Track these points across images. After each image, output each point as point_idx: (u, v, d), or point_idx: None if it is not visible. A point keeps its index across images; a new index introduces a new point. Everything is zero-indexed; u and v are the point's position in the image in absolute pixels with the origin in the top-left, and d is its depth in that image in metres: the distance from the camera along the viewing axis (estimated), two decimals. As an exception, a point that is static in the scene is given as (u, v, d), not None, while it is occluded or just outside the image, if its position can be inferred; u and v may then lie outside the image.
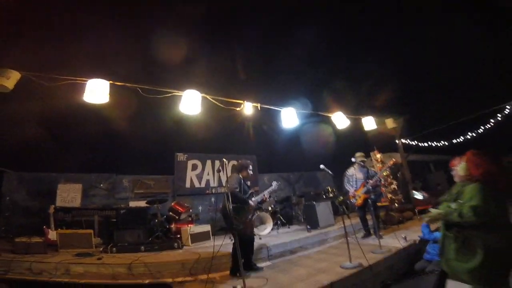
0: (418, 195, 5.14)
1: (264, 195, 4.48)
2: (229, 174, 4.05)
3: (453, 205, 2.39)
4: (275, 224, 6.46)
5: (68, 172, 6.66)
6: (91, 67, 3.80)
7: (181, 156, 7.86)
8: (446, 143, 8.03)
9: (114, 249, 4.71)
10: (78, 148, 6.59)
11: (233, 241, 3.76)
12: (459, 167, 2.61)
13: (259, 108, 4.54)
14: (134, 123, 6.68)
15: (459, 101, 7.98)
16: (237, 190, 3.99)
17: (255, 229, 5.85)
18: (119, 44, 4.91)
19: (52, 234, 4.92)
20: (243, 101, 4.39)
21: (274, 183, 4.64)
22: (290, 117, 4.88)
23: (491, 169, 2.35)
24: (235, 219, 3.69)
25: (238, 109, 4.40)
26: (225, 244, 4.15)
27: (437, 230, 3.76)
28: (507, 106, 6.60)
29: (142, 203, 6.37)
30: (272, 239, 5.46)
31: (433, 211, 2.55)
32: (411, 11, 7.22)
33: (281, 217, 6.97)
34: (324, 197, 7.36)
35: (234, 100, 4.32)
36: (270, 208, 6.64)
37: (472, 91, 8.09)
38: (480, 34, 7.29)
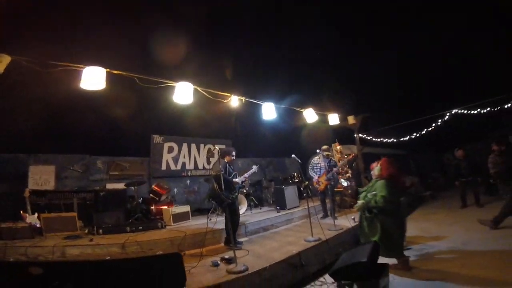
0: (344, 183, 6.23)
1: (245, 176, 5.18)
2: (214, 159, 4.67)
3: (369, 195, 3.59)
4: (248, 205, 7.11)
5: (38, 153, 6.33)
6: (86, 55, 3.79)
7: (157, 138, 7.88)
8: (395, 140, 9.63)
9: (100, 230, 4.76)
10: (48, 127, 6.26)
11: (224, 215, 4.53)
12: (375, 169, 3.87)
13: (243, 101, 4.99)
14: (108, 103, 6.52)
15: (409, 106, 9.54)
16: (222, 172, 4.49)
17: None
18: (116, 34, 4.85)
19: (31, 219, 4.71)
20: (231, 94, 4.79)
21: (254, 167, 5.39)
22: (269, 111, 5.44)
23: (393, 172, 3.62)
24: (223, 195, 4.28)
25: (225, 101, 4.80)
26: (208, 222, 4.68)
27: None
28: (447, 114, 8.10)
29: (119, 185, 6.42)
30: (248, 218, 6.12)
31: (359, 202, 3.76)
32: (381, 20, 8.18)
33: (253, 199, 7.65)
34: (291, 181, 8.17)
35: (222, 93, 4.69)
36: (244, 191, 7.26)
37: (419, 99, 9.71)
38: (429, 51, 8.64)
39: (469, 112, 8.24)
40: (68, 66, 3.40)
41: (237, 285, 3.10)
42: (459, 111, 8.19)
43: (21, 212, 4.80)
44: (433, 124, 8.57)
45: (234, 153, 5.06)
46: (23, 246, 3.80)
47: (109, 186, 6.55)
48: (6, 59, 3.23)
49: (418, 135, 9.13)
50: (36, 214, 4.77)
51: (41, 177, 5.85)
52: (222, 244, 4.75)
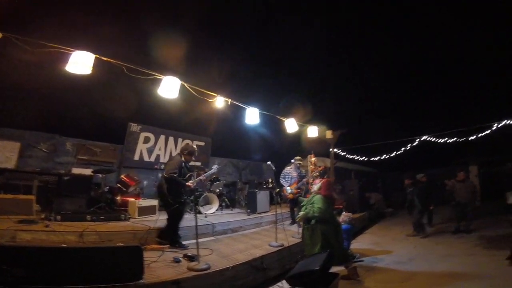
0: (288, 190, 6.53)
1: (201, 178, 4.98)
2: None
3: (309, 207, 4.12)
4: (220, 205, 7.09)
5: (3, 126, 5.83)
6: (73, 38, 3.67)
7: (134, 127, 7.64)
8: (366, 159, 10.14)
9: (58, 217, 4.52)
10: (18, 101, 5.89)
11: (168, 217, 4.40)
12: (316, 186, 4.39)
13: (229, 103, 5.02)
14: (89, 85, 6.26)
15: (382, 129, 10.19)
16: (176, 174, 4.26)
17: (201, 208, 6.43)
18: (106, 21, 4.72)
19: None
20: (217, 94, 4.80)
21: (215, 166, 5.19)
22: (253, 115, 5.50)
23: (330, 193, 4.26)
24: (171, 199, 4.26)
25: (210, 100, 4.79)
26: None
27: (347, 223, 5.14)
28: (417, 139, 8.66)
29: (86, 171, 6.16)
30: (217, 218, 6.12)
31: (301, 213, 4.22)
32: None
33: (226, 200, 7.66)
34: (265, 186, 8.28)
35: (208, 92, 4.69)
36: (218, 190, 7.25)
37: (392, 123, 10.42)
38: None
39: (437, 140, 8.85)
40: (57, 48, 3.29)
41: (197, 282, 3.11)
42: (428, 138, 8.76)
43: None
44: (403, 148, 9.13)
45: (195, 153, 4.79)
46: None
47: (75, 170, 6.24)
48: None
49: (387, 156, 9.68)
50: None
51: (3, 153, 5.45)
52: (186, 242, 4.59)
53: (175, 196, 4.33)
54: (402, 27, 9.15)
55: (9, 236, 3.64)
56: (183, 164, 4.50)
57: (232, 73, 7.55)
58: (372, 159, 10.08)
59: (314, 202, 4.09)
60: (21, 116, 6.01)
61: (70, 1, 5.04)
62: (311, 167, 8.89)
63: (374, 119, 11.51)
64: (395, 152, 9.47)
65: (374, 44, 9.51)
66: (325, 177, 4.75)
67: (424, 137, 8.61)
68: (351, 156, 9.89)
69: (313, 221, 4.02)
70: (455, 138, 8.58)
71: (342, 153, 9.49)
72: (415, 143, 8.80)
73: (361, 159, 10.14)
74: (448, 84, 10.89)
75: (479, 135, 8.18)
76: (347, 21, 8.57)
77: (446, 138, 8.73)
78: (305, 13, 8.19)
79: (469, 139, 8.46)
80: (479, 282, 3.71)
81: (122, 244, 3.10)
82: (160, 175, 8.18)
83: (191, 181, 4.52)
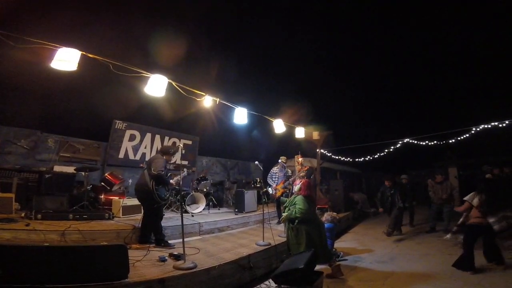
0: (270, 190, 6.68)
1: (179, 179, 4.83)
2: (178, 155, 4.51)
3: (291, 208, 4.20)
4: (207, 204, 7.07)
5: None
6: (59, 34, 3.56)
7: (119, 124, 7.50)
8: (351, 160, 10.41)
9: (39, 215, 4.40)
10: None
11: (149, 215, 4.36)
12: (296, 187, 4.50)
13: (217, 102, 5.00)
14: (73, 80, 6.07)
15: (367, 130, 10.52)
16: (163, 173, 4.33)
17: (187, 208, 6.40)
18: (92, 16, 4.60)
19: None
20: (205, 93, 4.78)
21: (185, 170, 5.19)
22: (241, 115, 5.51)
23: (310, 193, 4.30)
24: (157, 196, 4.26)
25: (198, 99, 4.77)
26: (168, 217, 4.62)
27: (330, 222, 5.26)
28: (400, 142, 8.96)
29: (69, 169, 6.01)
30: (204, 217, 6.11)
31: (284, 214, 4.32)
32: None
33: (213, 199, 7.64)
34: (253, 186, 8.30)
35: (197, 91, 4.66)
36: (205, 190, 7.21)
37: (377, 125, 10.77)
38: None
39: (419, 142, 9.17)
40: (42, 44, 3.18)
41: (183, 281, 3.09)
42: (410, 141, 9.07)
43: None
44: (385, 150, 9.43)
45: (176, 154, 4.91)
46: None
47: (57, 168, 6.08)
48: None
49: (371, 157, 9.97)
50: None
51: None
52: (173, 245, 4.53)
53: (162, 193, 4.34)
54: (387, 30, 9.45)
55: None
56: (166, 163, 4.56)
57: (220, 73, 7.56)
58: (356, 160, 10.37)
59: (296, 203, 4.17)
60: (0, 111, 5.78)
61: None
62: (298, 167, 9.09)
63: (360, 122, 11.86)
64: (379, 153, 9.78)
65: (359, 48, 9.79)
66: (311, 177, 4.86)
67: (406, 140, 8.91)
68: (336, 157, 10.12)
69: (296, 221, 4.11)
70: (436, 141, 8.92)
71: (328, 154, 9.68)
72: (398, 145, 9.11)
73: (346, 160, 10.41)
74: (430, 89, 11.34)
75: (458, 138, 8.55)
76: (332, 24, 8.77)
77: (427, 141, 9.05)
78: (292, 13, 8.31)
79: (449, 141, 8.83)
80: (454, 280, 3.90)
81: (106, 243, 3.05)
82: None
83: (173, 180, 4.64)
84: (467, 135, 8.24)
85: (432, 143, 9.13)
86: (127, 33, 5.94)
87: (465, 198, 4.60)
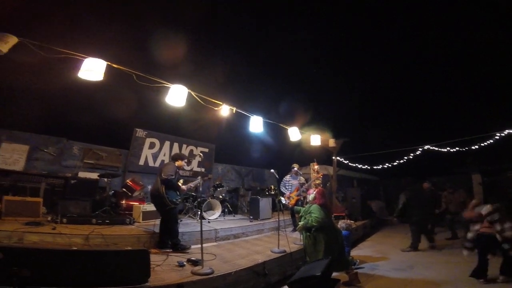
0: (283, 200, 6.59)
1: (191, 186, 5.14)
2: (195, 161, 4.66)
3: (307, 217, 4.22)
4: (222, 211, 7.15)
5: (12, 129, 6.01)
6: (86, 46, 3.80)
7: (140, 132, 7.79)
8: (369, 167, 10.22)
9: (64, 219, 4.61)
10: (25, 103, 6.06)
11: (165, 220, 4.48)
12: (310, 196, 4.51)
13: (233, 111, 5.12)
14: (97, 90, 6.38)
15: (386, 137, 10.32)
16: (173, 177, 4.49)
17: (204, 214, 6.50)
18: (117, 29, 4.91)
19: None
20: (222, 103, 4.91)
21: (199, 178, 5.15)
22: (257, 124, 5.59)
23: (324, 201, 4.32)
24: (168, 199, 4.39)
25: (216, 109, 4.91)
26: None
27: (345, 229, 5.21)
28: (419, 149, 8.74)
29: (92, 175, 6.27)
30: (220, 224, 6.19)
31: (300, 224, 4.30)
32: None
33: (228, 206, 7.71)
34: (267, 193, 8.35)
35: (214, 101, 4.81)
36: (221, 196, 7.31)
37: (396, 132, 10.54)
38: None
39: (439, 149, 8.91)
40: (71, 54, 3.41)
41: (200, 286, 3.16)
42: (431, 147, 8.83)
43: None
44: (405, 157, 9.21)
45: (186, 160, 5.11)
46: None
47: (81, 174, 6.36)
48: (13, 40, 3.20)
49: (390, 165, 9.76)
50: None
51: (12, 156, 5.58)
52: (189, 246, 4.64)
53: (172, 197, 4.49)
54: (404, 34, 9.26)
55: (17, 237, 3.72)
56: (177, 169, 4.73)
57: (236, 81, 7.73)
58: (374, 167, 10.17)
59: (312, 212, 4.19)
60: (30, 119, 6.17)
61: (82, 9, 5.20)
62: (313, 174, 9.03)
63: (377, 128, 11.60)
64: (398, 161, 9.56)
65: (376, 53, 9.66)
66: (327, 185, 4.87)
67: (427, 147, 8.68)
68: (353, 164, 9.97)
69: (313, 230, 4.11)
70: (457, 148, 8.63)
71: (345, 161, 9.57)
72: (418, 152, 8.88)
73: (363, 167, 10.24)
74: (450, 93, 10.98)
75: (481, 144, 8.24)
76: (346, 28, 8.71)
77: (448, 148, 8.78)
78: (306, 18, 8.37)
79: (472, 148, 8.53)
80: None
81: (130, 248, 3.18)
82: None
83: (184, 186, 4.83)
84: (491, 140, 7.93)
85: (454, 149, 8.85)
86: (147, 44, 6.20)
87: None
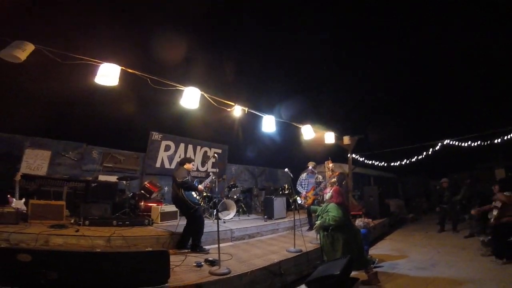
0: (299, 200, 6.48)
1: (207, 183, 5.32)
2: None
3: (324, 215, 4.20)
4: (237, 211, 7.20)
5: (34, 135, 6.33)
6: (100, 51, 3.93)
7: (156, 135, 7.96)
8: (385, 164, 9.96)
9: (87, 222, 4.73)
10: (49, 112, 6.30)
11: (190, 222, 4.54)
12: (327, 195, 4.48)
13: (246, 112, 5.15)
14: (113, 96, 6.56)
15: (402, 133, 9.98)
16: (187, 179, 4.60)
17: (219, 214, 6.56)
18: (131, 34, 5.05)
19: (17, 203, 4.62)
20: (234, 103, 4.95)
21: (211, 174, 5.52)
22: (269, 123, 5.59)
23: (341, 200, 4.29)
24: (190, 201, 4.47)
25: (229, 109, 4.95)
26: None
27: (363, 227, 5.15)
28: (438, 143, 8.44)
29: (111, 178, 6.47)
30: (235, 224, 6.23)
31: (317, 223, 4.31)
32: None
33: (242, 206, 7.75)
34: (281, 193, 8.32)
35: (226, 102, 4.86)
36: (235, 197, 7.36)
37: (414, 127, 10.19)
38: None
39: (460, 144, 8.56)
40: (86, 60, 3.53)
41: (218, 286, 3.20)
42: (451, 142, 8.50)
43: (8, 196, 4.68)
44: (424, 153, 8.91)
45: (193, 163, 5.19)
46: (7, 231, 3.76)
47: (101, 177, 6.56)
48: (30, 47, 3.33)
49: (408, 161, 9.46)
50: (23, 200, 4.70)
51: (35, 161, 5.82)
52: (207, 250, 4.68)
53: (192, 198, 4.58)
54: (421, 22, 8.85)
55: (43, 240, 3.83)
56: (187, 172, 4.82)
57: (248, 81, 7.74)
58: (392, 164, 9.87)
59: (329, 211, 4.17)
60: (51, 125, 6.44)
61: (94, 15, 5.32)
62: (328, 173, 8.92)
63: (394, 124, 11.25)
64: (416, 157, 9.25)
65: (392, 44, 9.25)
66: (343, 183, 4.81)
67: (446, 141, 8.36)
68: (369, 162, 9.75)
69: (330, 229, 4.09)
70: (479, 142, 8.27)
71: (361, 159, 9.37)
72: (437, 148, 8.57)
73: (380, 164, 9.98)
74: (472, 85, 10.46)
75: (505, 138, 7.86)
76: (360, 19, 8.44)
77: (470, 142, 8.43)
78: (313, 14, 8.19)
79: (494, 142, 8.16)
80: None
81: (150, 249, 3.25)
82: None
83: (200, 185, 4.93)
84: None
85: (475, 144, 8.48)
86: (159, 47, 6.28)
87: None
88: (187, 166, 4.93)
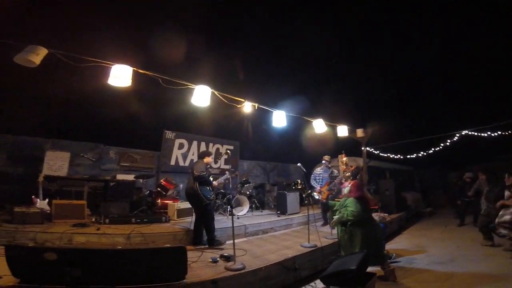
0: (316, 196, 6.38)
1: (221, 180, 5.40)
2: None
3: (342, 210, 4.12)
4: (250, 207, 7.26)
5: (54, 138, 6.59)
6: (115, 53, 4.02)
7: (169, 134, 8.10)
8: (401, 157, 9.69)
9: (107, 220, 4.90)
10: (67, 115, 6.52)
11: (201, 217, 4.64)
12: (346, 189, 4.38)
13: (256, 108, 5.17)
14: (127, 96, 6.68)
15: (419, 123, 9.65)
16: (204, 173, 4.67)
17: (233, 210, 6.64)
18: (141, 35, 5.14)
19: (41, 204, 4.77)
20: (244, 100, 4.98)
21: (227, 173, 5.57)
22: (280, 118, 5.58)
23: (360, 194, 4.19)
24: (203, 196, 4.55)
25: (239, 106, 4.99)
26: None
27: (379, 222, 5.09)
28: (457, 134, 8.15)
29: (129, 177, 6.58)
30: (248, 220, 6.30)
31: (335, 217, 4.20)
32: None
33: (255, 201, 7.81)
34: (294, 188, 8.28)
35: (236, 98, 4.89)
36: (248, 192, 7.42)
37: (430, 118, 9.81)
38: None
39: (479, 134, 8.23)
40: (98, 62, 3.63)
41: (234, 282, 3.26)
42: (470, 133, 8.18)
43: (32, 196, 4.86)
44: (441, 144, 8.61)
45: (212, 156, 5.24)
46: (33, 231, 3.94)
47: (119, 176, 6.70)
48: (43, 51, 3.46)
49: (425, 153, 9.17)
50: (46, 200, 4.87)
51: (56, 163, 5.96)
52: (223, 242, 4.80)
53: (206, 193, 4.65)
54: (441, 13, 8.43)
55: (67, 238, 4.01)
56: (207, 166, 4.95)
57: (257, 77, 7.68)
58: (408, 156, 9.58)
59: (347, 205, 4.09)
60: (70, 128, 6.68)
61: (103, 16, 5.41)
62: (342, 167, 8.81)
63: (409, 114, 10.85)
64: (433, 148, 8.95)
65: (406, 30, 8.80)
66: (357, 177, 4.71)
67: (464, 132, 8.05)
68: (385, 154, 9.53)
69: (349, 224, 4.03)
70: (500, 132, 7.91)
71: (375, 152, 9.18)
72: (455, 138, 8.27)
73: (396, 157, 9.73)
74: (489, 73, 9.93)
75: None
76: (374, 10, 8.10)
77: (489, 132, 8.08)
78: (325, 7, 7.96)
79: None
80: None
81: (168, 245, 3.34)
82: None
83: (215, 181, 5.03)
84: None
85: (496, 134, 8.12)
86: (168, 46, 6.32)
87: None
88: (207, 159, 5.02)
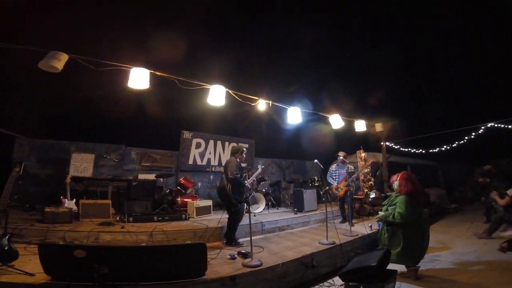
0: (371, 194, 6.18)
1: (253, 178, 5.34)
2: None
3: (390, 209, 3.78)
4: (266, 204, 7.25)
5: (79, 140, 6.92)
6: (132, 56, 4.18)
7: (186, 134, 8.30)
8: (423, 151, 9.32)
9: (130, 218, 5.05)
10: (90, 118, 6.82)
11: (229, 216, 4.66)
12: (395, 184, 4.03)
13: (270, 105, 5.18)
14: (145, 98, 6.74)
15: (441, 116, 9.20)
16: (238, 175, 4.52)
17: (250, 207, 6.70)
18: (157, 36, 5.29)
19: (69, 204, 5.01)
20: (259, 98, 5.01)
21: (260, 166, 5.38)
22: (295, 115, 5.57)
23: (412, 189, 3.75)
24: (235, 198, 4.49)
25: (253, 104, 5.03)
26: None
27: None
28: (482, 127, 7.74)
29: (150, 176, 6.84)
30: (265, 217, 6.33)
31: (380, 213, 3.99)
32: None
33: (271, 199, 7.82)
34: (310, 185, 8.20)
35: (251, 97, 4.94)
36: (264, 190, 7.46)
37: (454, 110, 9.33)
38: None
39: (506, 126, 7.76)
40: (117, 66, 3.78)
41: (251, 278, 3.32)
42: (496, 125, 7.74)
43: (61, 197, 5.14)
44: (466, 138, 8.19)
45: (245, 150, 5.01)
46: (62, 230, 4.14)
47: (141, 176, 6.97)
48: (65, 57, 3.65)
49: (448, 147, 8.75)
50: (74, 200, 5.15)
51: (82, 164, 6.32)
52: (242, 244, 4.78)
53: (239, 195, 4.57)
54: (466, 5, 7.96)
55: (94, 237, 4.18)
56: (240, 165, 4.77)
57: (271, 74, 7.64)
58: (431, 150, 9.16)
59: (396, 205, 3.77)
60: (94, 130, 6.99)
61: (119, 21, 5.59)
62: (361, 163, 8.63)
63: (431, 106, 10.34)
64: (457, 142, 8.52)
65: (425, 15, 8.36)
66: (377, 173, 4.55)
67: (490, 124, 7.61)
68: (406, 149, 9.20)
69: (394, 225, 3.79)
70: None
71: (396, 146, 8.88)
72: (480, 131, 7.84)
73: (417, 151, 9.35)
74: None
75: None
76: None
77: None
78: None
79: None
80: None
81: (190, 242, 3.43)
82: (212, 176, 8.78)
83: (246, 183, 4.86)
84: None
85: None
86: (183, 47, 6.44)
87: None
88: (239, 157, 4.82)
